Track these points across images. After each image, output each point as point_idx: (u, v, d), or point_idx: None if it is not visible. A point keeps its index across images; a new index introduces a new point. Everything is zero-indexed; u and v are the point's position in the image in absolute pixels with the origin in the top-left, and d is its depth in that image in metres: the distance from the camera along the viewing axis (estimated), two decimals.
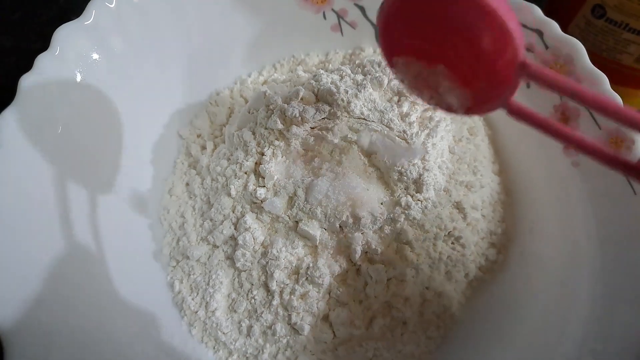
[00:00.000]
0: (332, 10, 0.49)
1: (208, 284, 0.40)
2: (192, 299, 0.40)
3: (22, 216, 0.33)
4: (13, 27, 0.59)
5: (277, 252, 0.39)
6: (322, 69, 0.45)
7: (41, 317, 0.31)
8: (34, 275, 0.32)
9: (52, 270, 0.33)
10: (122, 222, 0.40)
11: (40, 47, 0.56)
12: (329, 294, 0.40)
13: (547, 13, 0.43)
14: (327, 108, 0.41)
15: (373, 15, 0.49)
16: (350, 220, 0.38)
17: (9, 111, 0.34)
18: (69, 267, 0.34)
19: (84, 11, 0.39)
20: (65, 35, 0.38)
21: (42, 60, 0.36)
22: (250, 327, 0.39)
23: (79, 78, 0.38)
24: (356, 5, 0.49)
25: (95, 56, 0.39)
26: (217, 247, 0.41)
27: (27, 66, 0.54)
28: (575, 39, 0.41)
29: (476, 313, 0.42)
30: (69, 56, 0.38)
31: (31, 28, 0.59)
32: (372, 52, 0.51)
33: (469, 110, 0.29)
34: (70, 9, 0.61)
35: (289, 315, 0.39)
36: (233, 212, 0.41)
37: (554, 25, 0.42)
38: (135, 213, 0.42)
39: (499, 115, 0.44)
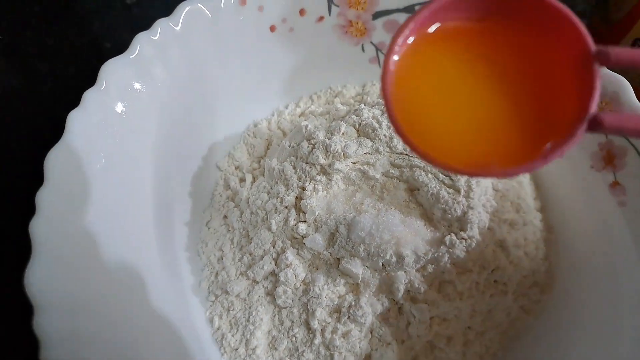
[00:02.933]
0: (371, 42, 0.49)
1: (248, 321, 0.40)
2: (232, 336, 0.40)
3: (67, 251, 0.32)
4: (48, 52, 0.59)
5: (319, 289, 0.39)
6: (362, 103, 0.45)
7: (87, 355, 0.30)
8: (84, 316, 0.31)
9: (94, 298, 0.32)
10: (160, 254, 0.40)
11: (74, 73, 0.57)
12: (371, 333, 0.39)
13: None
14: (369, 143, 0.41)
15: None
16: (394, 259, 0.38)
17: (56, 149, 0.34)
18: (110, 296, 0.34)
19: (130, 45, 0.39)
20: (112, 70, 0.38)
21: (89, 96, 0.36)
22: None
23: (121, 110, 0.38)
24: None
25: (137, 87, 0.39)
26: (257, 282, 0.41)
27: (62, 92, 0.54)
28: (620, 76, 0.41)
29: (519, 354, 0.41)
30: (114, 90, 0.38)
31: (65, 54, 0.59)
32: None
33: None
34: (104, 35, 0.61)
35: (331, 355, 0.38)
36: (273, 247, 0.41)
37: None
38: (174, 246, 0.42)
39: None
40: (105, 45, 0.59)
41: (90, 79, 0.38)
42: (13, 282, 0.31)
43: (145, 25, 0.40)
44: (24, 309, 0.30)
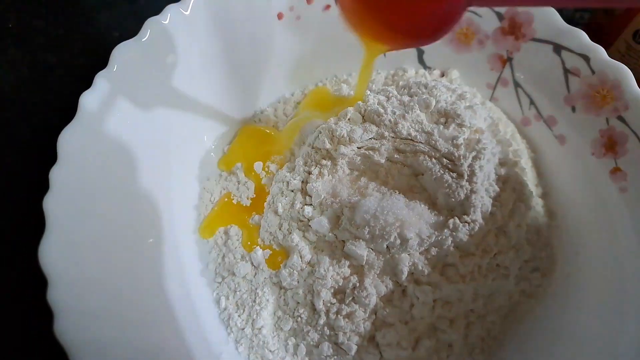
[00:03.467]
0: None
1: (254, 302, 0.40)
2: (239, 316, 0.40)
3: (76, 225, 0.33)
4: (57, 42, 0.60)
5: (324, 271, 0.39)
6: (367, 90, 0.46)
7: (102, 332, 0.31)
8: (95, 291, 0.32)
9: (112, 286, 0.33)
10: (170, 237, 0.41)
11: (83, 62, 0.58)
12: (375, 314, 0.40)
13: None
14: (374, 128, 0.42)
15: None
16: (398, 242, 0.38)
17: (69, 129, 0.35)
18: (126, 283, 0.34)
19: (141, 29, 0.39)
20: (123, 53, 0.38)
21: (100, 78, 0.37)
22: (296, 346, 0.39)
23: (131, 91, 0.39)
24: None
25: (147, 70, 0.40)
26: None
27: (71, 81, 0.55)
28: (622, 64, 0.41)
29: (520, 337, 0.41)
30: (124, 72, 0.38)
31: (74, 44, 0.60)
32: (414, 72, 0.51)
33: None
34: (112, 24, 0.62)
35: (336, 335, 0.39)
36: (279, 229, 0.42)
37: (601, 51, 0.42)
38: (182, 226, 0.42)
39: (543, 138, 0.45)
40: (114, 34, 0.60)
41: (98, 69, 0.39)
42: (28, 256, 0.31)
43: (153, 13, 0.41)
44: (39, 281, 0.30)
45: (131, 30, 0.53)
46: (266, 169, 0.45)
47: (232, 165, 0.46)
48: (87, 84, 0.51)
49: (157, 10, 0.41)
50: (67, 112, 0.37)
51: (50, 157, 0.34)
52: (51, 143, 0.35)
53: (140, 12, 0.62)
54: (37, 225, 0.32)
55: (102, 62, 0.39)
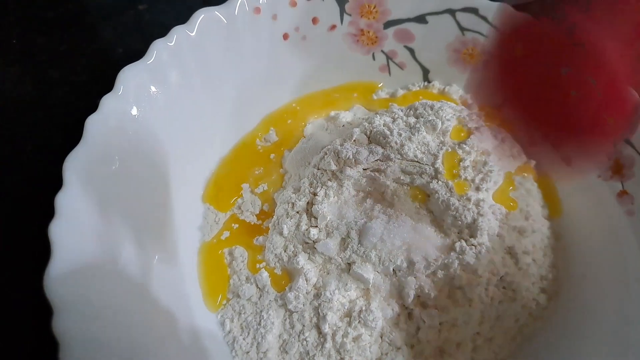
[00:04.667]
0: (382, 51, 0.50)
1: (259, 324, 0.40)
2: (244, 339, 0.40)
3: (82, 252, 0.33)
4: (60, 58, 0.60)
5: (330, 294, 0.39)
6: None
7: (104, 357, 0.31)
8: (101, 319, 0.32)
9: (118, 312, 0.33)
10: (174, 259, 0.41)
11: (85, 79, 0.58)
12: (382, 337, 0.39)
13: None
14: (380, 150, 0.41)
15: (422, 57, 0.50)
16: (405, 265, 0.38)
17: (75, 153, 0.35)
18: (132, 308, 0.34)
19: (147, 52, 0.39)
20: (129, 76, 0.38)
21: (107, 101, 0.37)
22: None
23: (137, 114, 0.39)
24: (406, 47, 0.49)
25: (153, 92, 0.40)
26: None
27: (74, 98, 0.55)
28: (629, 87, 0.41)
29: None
30: (131, 95, 0.39)
31: (77, 60, 0.60)
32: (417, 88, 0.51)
33: None
34: (115, 41, 0.62)
35: (342, 359, 0.39)
36: (285, 251, 0.41)
37: None
38: (186, 250, 0.42)
39: (549, 159, 0.45)
40: (117, 50, 0.60)
41: (102, 85, 0.39)
42: (33, 284, 0.31)
43: (156, 30, 0.41)
44: (44, 310, 0.30)
45: (135, 46, 0.53)
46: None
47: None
48: (91, 100, 0.51)
49: (161, 26, 0.41)
50: (71, 129, 0.37)
51: (52, 175, 0.34)
52: (55, 161, 0.35)
53: (143, 28, 0.62)
54: (42, 248, 0.32)
55: (105, 79, 0.39)
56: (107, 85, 0.39)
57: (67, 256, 0.31)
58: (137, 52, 0.40)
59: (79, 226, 0.33)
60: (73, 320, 0.30)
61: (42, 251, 0.32)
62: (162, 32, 0.41)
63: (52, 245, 0.32)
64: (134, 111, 0.38)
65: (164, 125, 0.41)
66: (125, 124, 0.38)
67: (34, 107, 0.56)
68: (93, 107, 0.37)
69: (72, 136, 0.36)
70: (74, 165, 0.34)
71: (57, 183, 0.34)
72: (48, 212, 0.33)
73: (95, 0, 0.66)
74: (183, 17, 0.42)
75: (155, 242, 0.39)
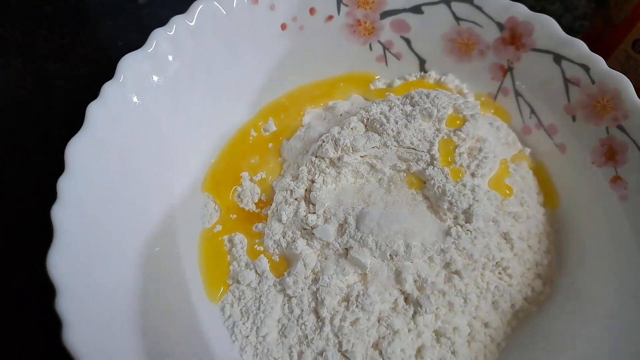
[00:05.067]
0: (379, 41, 0.51)
1: (259, 309, 0.41)
2: (243, 324, 0.41)
3: (84, 235, 0.33)
4: (60, 52, 0.61)
5: (329, 279, 0.40)
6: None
7: (109, 341, 0.31)
8: (103, 300, 0.32)
9: (119, 295, 0.33)
10: (176, 242, 0.41)
11: (87, 72, 0.58)
12: (379, 321, 0.40)
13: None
14: (377, 137, 0.42)
15: (418, 47, 0.51)
16: (402, 249, 0.39)
17: (77, 139, 0.35)
18: (132, 292, 0.35)
19: (147, 40, 0.40)
20: (129, 64, 0.39)
21: (107, 88, 0.38)
22: (301, 353, 0.40)
23: (137, 101, 0.40)
24: (402, 37, 0.50)
25: (153, 80, 0.41)
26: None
27: (74, 91, 0.56)
28: (622, 74, 0.42)
29: (524, 344, 0.41)
30: (131, 82, 0.39)
31: (78, 53, 0.61)
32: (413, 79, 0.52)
33: None
34: (115, 34, 0.62)
35: (340, 343, 0.39)
36: (283, 237, 0.42)
37: (600, 61, 0.43)
38: (187, 237, 0.43)
39: (544, 147, 0.46)
40: (117, 44, 0.61)
41: (102, 78, 0.39)
42: (37, 268, 0.32)
43: (156, 24, 0.42)
44: (48, 292, 0.31)
45: (135, 40, 0.53)
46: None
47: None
48: (91, 93, 0.52)
49: (161, 20, 0.42)
50: (72, 120, 0.37)
51: (56, 165, 0.35)
52: (57, 151, 0.35)
53: (143, 22, 0.63)
54: (45, 234, 0.32)
55: (106, 72, 0.40)
56: (108, 77, 0.39)
57: (69, 238, 0.32)
58: (137, 46, 0.41)
59: (81, 209, 0.34)
60: (76, 300, 0.31)
61: (45, 238, 0.32)
62: (163, 24, 0.42)
63: (55, 228, 0.32)
64: (135, 99, 0.39)
65: (164, 113, 0.41)
66: (126, 111, 0.38)
67: (35, 99, 0.57)
68: (93, 99, 0.38)
69: (74, 128, 0.37)
70: (76, 150, 0.35)
71: (58, 173, 0.34)
72: (51, 202, 0.33)
73: None
74: (182, 11, 0.43)
75: (157, 228, 0.40)
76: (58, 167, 0.34)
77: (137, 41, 0.41)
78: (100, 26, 0.64)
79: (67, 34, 0.62)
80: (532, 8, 0.46)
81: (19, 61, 0.60)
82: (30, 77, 0.58)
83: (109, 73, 0.39)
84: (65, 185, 0.33)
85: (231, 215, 0.45)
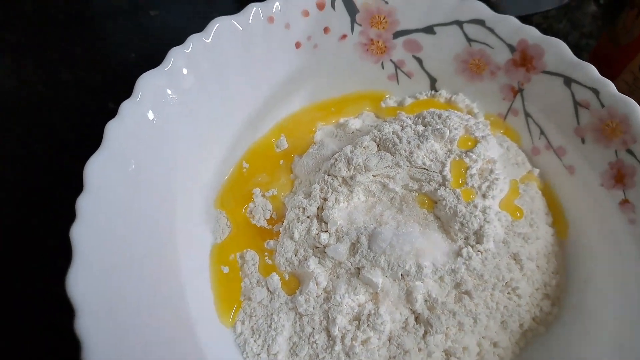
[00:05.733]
0: (391, 60, 0.51)
1: (270, 327, 0.41)
2: (254, 341, 0.41)
3: (103, 254, 0.34)
4: (74, 61, 0.61)
5: (340, 298, 0.40)
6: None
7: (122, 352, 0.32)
8: (122, 320, 0.33)
9: (137, 315, 0.34)
10: (191, 259, 0.41)
11: (99, 82, 0.59)
12: (390, 341, 0.40)
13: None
14: (389, 157, 0.42)
15: (430, 66, 0.51)
16: (413, 270, 0.39)
17: (95, 158, 0.36)
18: (151, 310, 0.35)
19: (164, 59, 0.40)
20: (147, 82, 0.39)
21: (126, 106, 0.38)
22: None
23: (153, 117, 0.40)
24: (414, 57, 0.51)
25: (170, 97, 0.41)
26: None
27: (87, 100, 0.56)
28: (631, 99, 0.43)
29: None
30: (148, 100, 0.39)
31: (91, 63, 0.61)
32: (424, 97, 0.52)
33: None
34: (128, 44, 0.63)
35: None
36: (295, 255, 0.42)
37: (610, 85, 0.44)
38: (200, 253, 0.43)
39: (552, 168, 0.46)
40: (130, 55, 0.61)
41: (114, 88, 0.40)
42: (53, 286, 0.32)
43: (167, 35, 0.42)
44: (66, 311, 0.31)
45: (147, 51, 0.54)
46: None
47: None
48: (104, 102, 0.52)
49: (172, 30, 0.43)
50: (84, 130, 0.38)
51: (67, 176, 0.35)
52: (68, 162, 0.36)
53: (155, 31, 0.63)
54: (62, 251, 0.33)
55: (118, 82, 0.40)
56: (120, 88, 0.40)
57: (88, 258, 0.32)
58: (148, 57, 0.41)
59: (100, 229, 0.34)
60: (95, 320, 0.31)
61: (60, 251, 0.32)
62: (174, 36, 0.42)
63: (74, 248, 0.32)
64: (151, 116, 0.39)
65: (180, 130, 0.42)
66: (143, 128, 0.39)
67: (46, 108, 0.57)
68: (105, 109, 0.38)
69: (85, 138, 0.37)
70: (94, 169, 0.35)
71: (70, 183, 0.35)
72: (63, 212, 0.34)
73: (108, 5, 0.67)
74: (193, 23, 0.43)
75: (170, 242, 0.40)
76: (70, 177, 0.35)
77: (149, 52, 0.42)
78: (112, 36, 0.64)
79: (79, 43, 0.62)
80: (538, 26, 0.47)
81: (30, 69, 0.60)
82: (42, 86, 0.58)
83: (121, 83, 0.40)
84: (84, 204, 0.34)
85: (244, 229, 0.45)
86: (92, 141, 0.37)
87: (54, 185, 0.39)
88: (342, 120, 0.51)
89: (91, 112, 0.53)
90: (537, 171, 0.48)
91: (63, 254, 0.33)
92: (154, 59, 0.41)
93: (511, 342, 0.42)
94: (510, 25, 0.47)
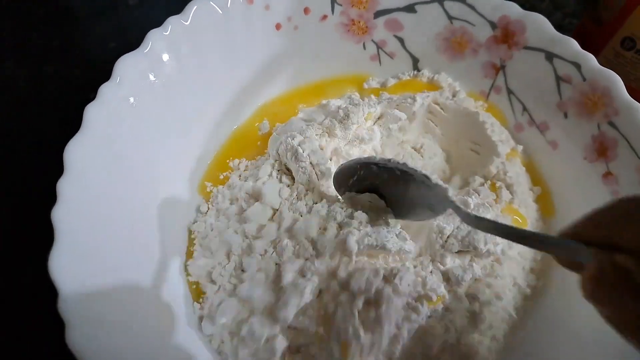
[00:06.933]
0: (372, 41, 0.51)
1: None
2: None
3: (84, 236, 0.33)
4: (54, 54, 0.60)
5: None
6: None
7: (112, 342, 0.31)
8: (105, 301, 0.32)
9: (121, 296, 0.33)
10: (165, 244, 0.41)
11: (80, 73, 0.58)
12: None
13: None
14: None
15: (411, 46, 0.51)
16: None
17: (76, 140, 0.35)
18: (134, 292, 0.35)
19: (143, 41, 0.40)
20: (126, 65, 0.39)
21: (105, 90, 0.38)
22: None
23: (133, 101, 0.40)
24: (395, 36, 0.51)
25: (150, 80, 0.41)
26: None
27: (68, 93, 0.56)
28: (612, 71, 0.43)
29: (523, 337, 0.41)
30: (128, 83, 0.39)
31: (71, 55, 0.60)
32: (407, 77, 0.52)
33: None
34: (108, 35, 0.62)
35: None
36: None
37: (591, 58, 0.44)
38: (179, 233, 0.43)
39: (536, 143, 0.46)
40: (110, 45, 0.61)
41: (96, 79, 0.39)
42: (38, 270, 0.32)
43: (149, 24, 0.42)
44: (50, 292, 0.31)
45: (127, 40, 0.53)
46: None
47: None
48: (85, 94, 0.51)
49: (153, 20, 0.42)
50: (68, 122, 0.37)
51: (53, 166, 0.35)
52: (52, 155, 0.35)
53: (135, 22, 0.63)
54: (44, 234, 0.32)
55: (99, 74, 0.40)
56: (101, 79, 0.39)
57: (70, 240, 0.32)
58: (129, 47, 0.41)
59: (81, 211, 0.34)
60: (77, 301, 0.31)
61: (45, 238, 0.32)
62: (154, 26, 0.42)
63: (56, 230, 0.32)
64: (132, 99, 0.39)
65: (161, 113, 0.42)
66: (123, 111, 0.38)
67: (29, 102, 0.56)
68: (88, 101, 0.38)
69: (69, 130, 0.37)
70: (75, 152, 0.35)
71: (56, 176, 0.34)
72: (50, 204, 0.33)
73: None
74: (173, 12, 0.43)
75: (156, 228, 0.40)
76: (54, 169, 0.34)
77: (129, 42, 0.41)
78: (91, 28, 0.63)
79: (59, 35, 0.62)
80: (522, 6, 0.47)
81: (11, 63, 0.59)
82: (23, 79, 0.58)
83: (102, 74, 0.39)
84: (65, 186, 0.33)
85: None
86: (76, 132, 0.36)
87: (38, 177, 0.39)
88: (324, 101, 0.50)
89: (73, 104, 0.53)
90: (520, 147, 0.48)
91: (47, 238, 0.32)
92: (135, 48, 0.41)
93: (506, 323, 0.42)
94: (491, 2, 0.47)
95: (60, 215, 0.33)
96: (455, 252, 0.40)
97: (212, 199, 0.44)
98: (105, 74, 0.39)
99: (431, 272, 0.39)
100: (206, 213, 0.44)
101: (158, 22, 0.42)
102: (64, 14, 0.64)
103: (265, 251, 0.39)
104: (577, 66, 0.44)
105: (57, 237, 0.32)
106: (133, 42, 0.41)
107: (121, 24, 0.63)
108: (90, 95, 0.37)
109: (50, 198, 0.33)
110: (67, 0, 0.66)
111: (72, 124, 0.37)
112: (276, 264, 0.38)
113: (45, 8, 0.64)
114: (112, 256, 0.35)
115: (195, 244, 0.42)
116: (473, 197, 0.42)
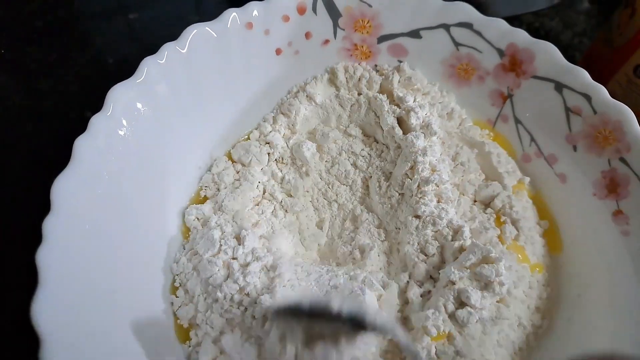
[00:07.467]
0: (376, 66, 0.50)
1: None
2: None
3: (74, 281, 0.32)
4: (50, 68, 0.59)
5: None
6: None
7: None
8: (85, 337, 0.31)
9: (99, 331, 0.32)
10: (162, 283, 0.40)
11: (76, 90, 0.57)
12: None
13: (584, 68, 0.43)
14: None
15: None
16: None
17: (63, 177, 0.34)
18: (114, 329, 0.34)
19: (137, 70, 0.39)
20: (118, 95, 0.38)
21: (96, 121, 0.36)
22: None
23: (125, 132, 0.38)
24: (400, 62, 0.49)
25: (142, 110, 0.40)
26: None
27: (65, 109, 0.54)
28: (624, 105, 0.41)
29: None
30: (120, 114, 0.38)
31: (68, 70, 0.59)
32: None
33: None
34: (106, 49, 0.61)
35: None
36: None
37: (602, 90, 0.42)
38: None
39: (543, 176, 0.45)
40: (108, 60, 0.59)
41: (92, 96, 0.38)
42: (20, 313, 0.30)
43: (147, 39, 0.41)
44: (31, 339, 0.29)
45: (125, 56, 0.52)
46: None
47: None
48: (81, 112, 0.50)
49: (150, 34, 0.41)
50: (61, 140, 0.36)
51: (44, 186, 0.34)
52: (43, 176, 0.34)
53: (133, 36, 0.62)
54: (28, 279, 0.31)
55: (96, 89, 0.39)
56: (98, 96, 0.38)
57: (55, 285, 0.31)
58: (127, 62, 0.40)
59: (68, 252, 0.32)
60: (60, 350, 0.29)
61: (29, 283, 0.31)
62: (153, 40, 0.41)
63: (40, 273, 0.31)
64: (123, 131, 0.38)
65: (154, 144, 0.40)
66: (114, 144, 0.37)
67: (24, 117, 0.55)
68: (83, 119, 0.37)
69: (63, 148, 0.36)
70: (62, 189, 0.34)
71: (47, 194, 0.33)
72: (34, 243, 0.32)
73: (85, 10, 0.65)
74: (173, 26, 0.42)
75: (146, 269, 0.39)
76: (47, 188, 0.33)
77: (128, 57, 0.40)
78: (90, 42, 0.62)
79: (56, 49, 0.61)
80: (530, 25, 0.45)
81: (7, 77, 0.58)
82: (19, 94, 0.57)
83: (98, 91, 0.38)
84: (51, 226, 0.32)
85: None
86: (69, 151, 0.35)
87: (30, 195, 0.38)
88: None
89: (69, 121, 0.52)
90: (527, 179, 0.46)
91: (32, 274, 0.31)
92: (132, 65, 0.39)
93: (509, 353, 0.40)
94: (499, 29, 0.46)
95: (46, 256, 0.31)
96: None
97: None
98: (102, 91, 0.38)
99: None
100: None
101: (157, 37, 0.40)
102: (62, 28, 0.63)
103: None
104: (588, 98, 0.43)
105: (42, 282, 0.31)
106: (132, 57, 0.40)
107: (120, 38, 0.62)
108: (87, 113, 0.36)
109: (35, 237, 0.32)
110: (65, 13, 0.65)
111: (68, 142, 0.35)
112: None
113: (43, 21, 0.63)
114: (102, 302, 0.33)
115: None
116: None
